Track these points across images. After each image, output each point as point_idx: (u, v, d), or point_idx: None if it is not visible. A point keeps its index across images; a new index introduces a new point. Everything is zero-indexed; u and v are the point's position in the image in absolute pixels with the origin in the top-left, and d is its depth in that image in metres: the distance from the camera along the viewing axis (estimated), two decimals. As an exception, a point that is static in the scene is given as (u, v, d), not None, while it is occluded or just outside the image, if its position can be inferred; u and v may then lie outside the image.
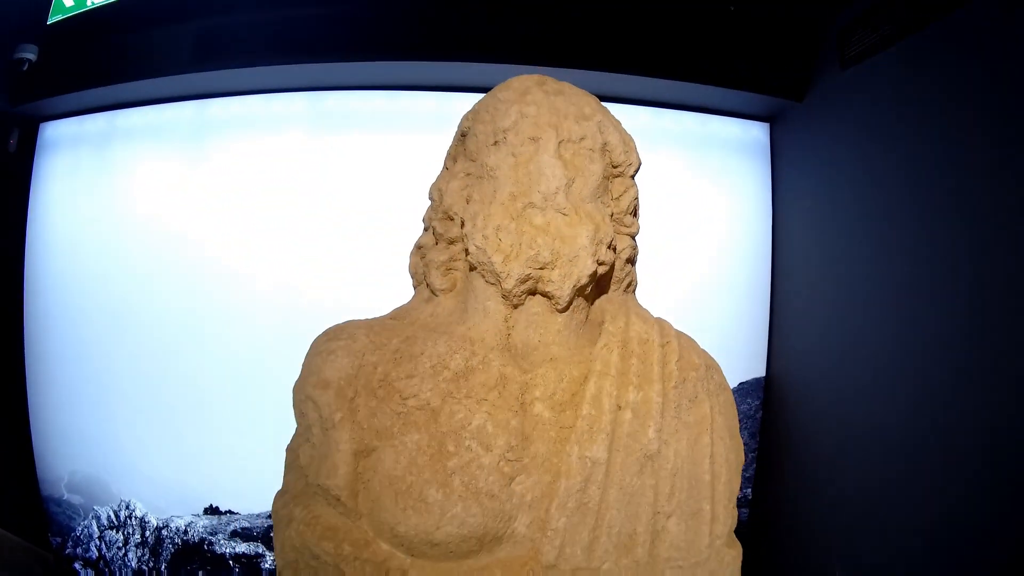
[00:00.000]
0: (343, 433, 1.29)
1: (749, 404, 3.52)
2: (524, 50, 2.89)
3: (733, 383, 3.30)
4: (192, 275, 3.32)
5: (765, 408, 3.54)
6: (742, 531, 3.48)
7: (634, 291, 1.55)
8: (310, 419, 1.33)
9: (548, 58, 2.89)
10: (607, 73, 2.98)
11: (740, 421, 3.26)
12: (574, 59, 2.93)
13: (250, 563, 3.17)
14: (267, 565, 3.17)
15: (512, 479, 1.26)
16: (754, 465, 3.58)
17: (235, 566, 3.17)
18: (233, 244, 3.29)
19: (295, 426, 1.41)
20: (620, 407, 1.29)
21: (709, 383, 1.41)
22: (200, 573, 3.18)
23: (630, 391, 1.30)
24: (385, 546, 1.25)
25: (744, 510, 3.57)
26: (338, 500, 1.27)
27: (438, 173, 1.51)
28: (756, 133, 3.62)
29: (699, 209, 3.55)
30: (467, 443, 1.26)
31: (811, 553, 3.17)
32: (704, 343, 1.50)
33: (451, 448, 1.25)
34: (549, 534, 1.27)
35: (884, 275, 2.84)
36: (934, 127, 2.55)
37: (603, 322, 1.38)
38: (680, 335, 1.43)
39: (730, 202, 3.59)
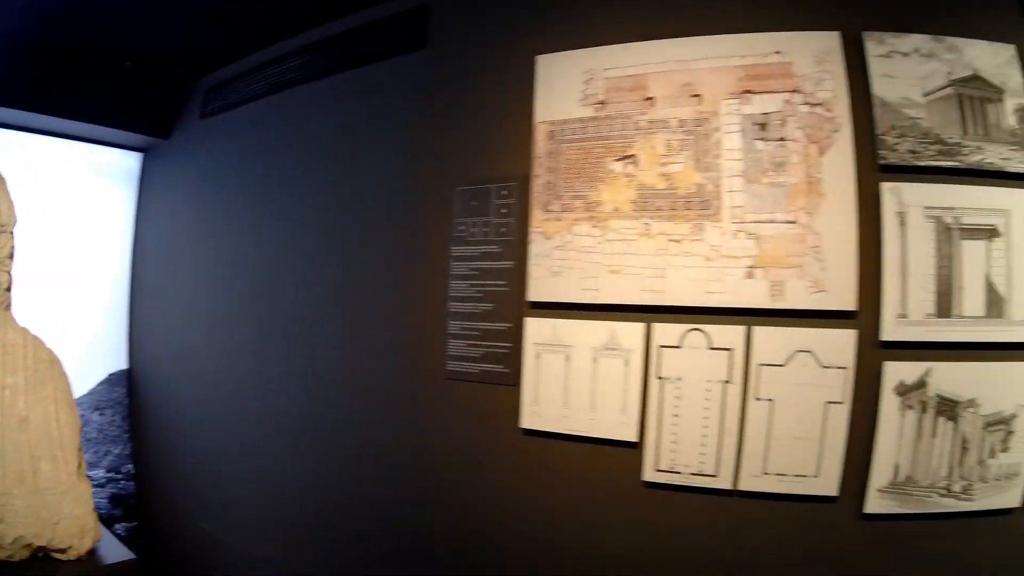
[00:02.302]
0: None
1: (118, 391, 4.08)
2: None
3: (104, 373, 3.98)
4: None
5: (130, 394, 4.14)
6: (130, 501, 4.08)
7: (10, 309, 2.19)
8: None
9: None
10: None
11: (113, 405, 4.01)
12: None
13: None
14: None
15: None
16: (130, 444, 4.09)
17: None
18: None
19: None
20: (3, 387, 1.96)
21: (53, 371, 2.11)
22: None
23: (7, 377, 1.99)
24: None
25: (131, 483, 4.07)
26: None
27: None
28: (132, 162, 4.20)
29: (79, 228, 3.94)
30: None
31: (185, 510, 3.68)
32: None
33: None
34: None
35: (217, 286, 3.49)
36: (261, 170, 3.29)
37: (-11, 331, 2.01)
38: (36, 339, 2.16)
39: (107, 222, 4.07)
